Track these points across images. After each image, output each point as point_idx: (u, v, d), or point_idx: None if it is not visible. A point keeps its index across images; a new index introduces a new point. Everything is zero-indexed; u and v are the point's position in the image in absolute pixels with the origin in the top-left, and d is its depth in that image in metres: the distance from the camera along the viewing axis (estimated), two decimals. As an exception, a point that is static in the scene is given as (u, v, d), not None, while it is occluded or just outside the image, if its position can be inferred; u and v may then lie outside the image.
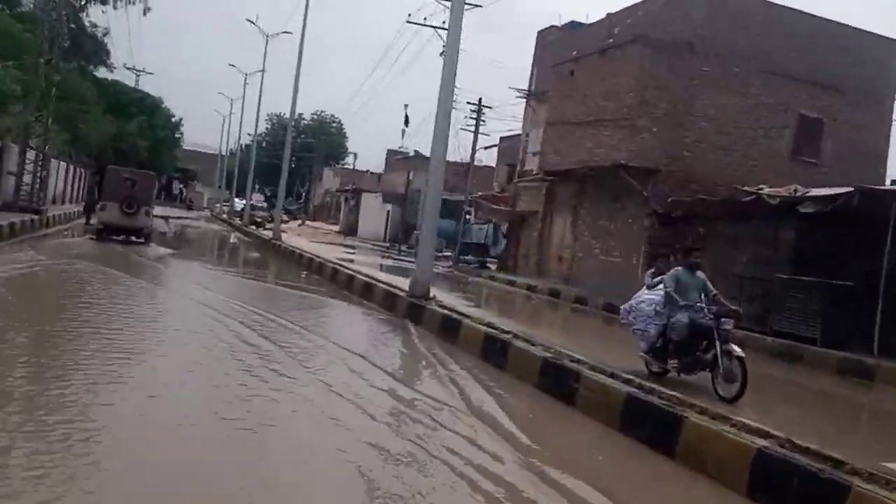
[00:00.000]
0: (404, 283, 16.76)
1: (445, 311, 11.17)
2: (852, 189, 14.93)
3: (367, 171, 79.11)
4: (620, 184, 22.82)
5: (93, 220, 26.52)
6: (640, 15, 22.85)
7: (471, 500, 4.68)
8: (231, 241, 35.00)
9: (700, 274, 8.96)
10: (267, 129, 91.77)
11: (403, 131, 71.11)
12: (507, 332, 9.43)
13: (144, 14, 40.89)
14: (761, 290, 17.51)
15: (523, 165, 32.10)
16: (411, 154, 61.97)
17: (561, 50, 27.25)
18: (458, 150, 55.68)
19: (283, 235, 30.39)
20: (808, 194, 16.31)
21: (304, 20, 31.02)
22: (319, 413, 6.21)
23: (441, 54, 37.18)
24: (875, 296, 14.31)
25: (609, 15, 24.64)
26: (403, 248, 42.00)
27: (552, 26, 31.51)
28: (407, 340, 10.40)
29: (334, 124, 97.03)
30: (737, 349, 8.07)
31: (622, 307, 9.64)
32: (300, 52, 31.28)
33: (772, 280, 16.99)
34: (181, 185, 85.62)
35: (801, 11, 23.40)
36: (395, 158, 69.61)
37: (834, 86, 23.48)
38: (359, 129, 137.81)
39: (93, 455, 4.55)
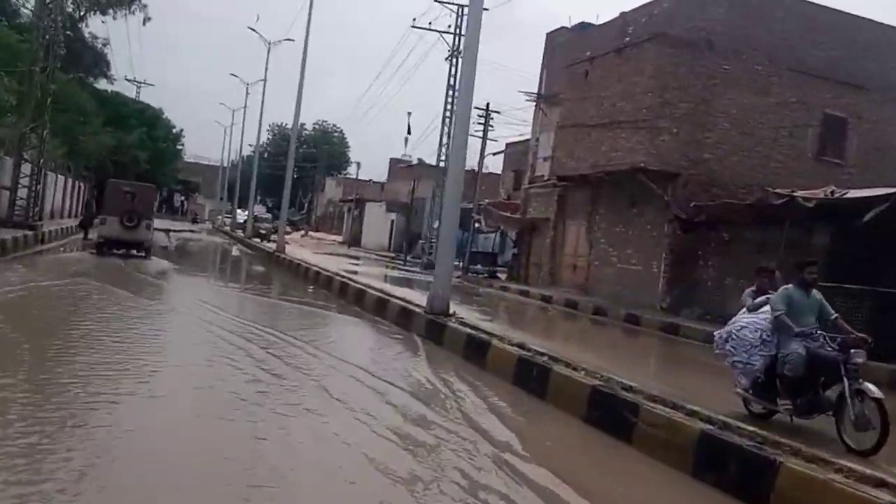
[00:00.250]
0: (417, 296, 15.95)
1: (469, 330, 10.20)
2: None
3: (370, 181, 78.34)
4: (638, 188, 21.91)
5: (91, 235, 25.79)
6: (656, 13, 22.01)
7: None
8: (234, 254, 34.11)
9: (816, 293, 7.41)
10: (269, 139, 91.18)
11: (406, 139, 70.43)
12: (542, 354, 8.48)
13: (144, 24, 40.31)
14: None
15: (533, 171, 31.16)
16: (414, 162, 61.06)
17: (572, 51, 26.39)
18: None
19: (287, 248, 29.45)
20: (846, 195, 15.38)
21: (308, 26, 30.20)
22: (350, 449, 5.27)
23: (446, 59, 36.75)
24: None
25: (623, 14, 23.77)
26: (409, 258, 41.07)
27: (562, 28, 30.69)
28: (428, 364, 9.38)
29: (336, 134, 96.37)
30: (873, 389, 6.44)
31: (716, 334, 7.90)
32: (304, 59, 30.46)
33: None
34: (182, 198, 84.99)
35: (822, 6, 22.55)
36: (399, 167, 68.72)
37: (858, 83, 22.56)
38: (361, 137, 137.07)
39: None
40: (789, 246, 17.48)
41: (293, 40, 47.10)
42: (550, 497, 4.95)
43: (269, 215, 59.27)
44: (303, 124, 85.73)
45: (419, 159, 59.65)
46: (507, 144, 43.80)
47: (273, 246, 31.23)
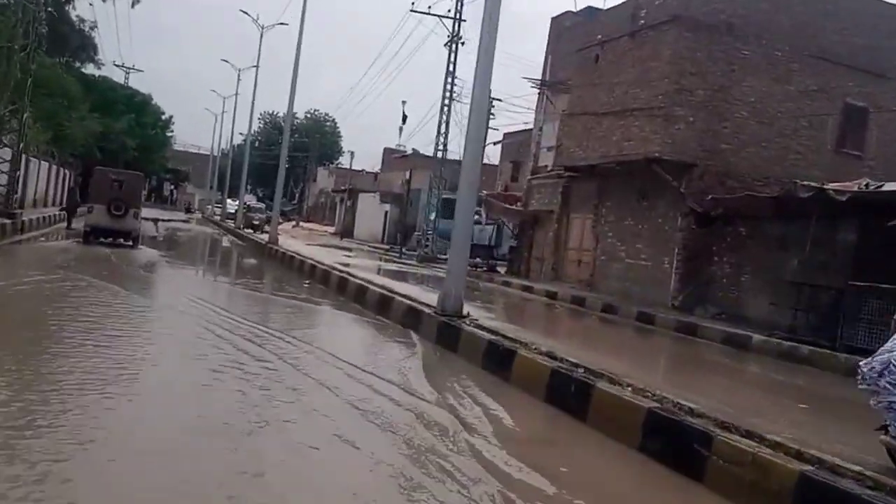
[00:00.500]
0: (421, 293, 14.89)
1: (489, 336, 9.11)
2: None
3: (363, 171, 77.03)
4: (650, 179, 20.88)
5: (74, 224, 24.74)
6: (671, -6, 20.89)
7: None
8: (224, 245, 32.90)
9: None
10: (260, 128, 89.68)
11: (401, 129, 68.88)
12: (579, 366, 7.42)
13: (133, 6, 38.95)
14: (825, 299, 15.59)
15: (536, 161, 30.07)
16: (409, 153, 59.81)
17: (580, 36, 25.25)
18: (460, 148, 53.59)
19: (280, 239, 28.29)
20: (881, 189, 14.38)
21: (304, 8, 28.93)
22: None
23: (446, 45, 35.51)
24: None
25: (634, -5, 22.64)
26: (404, 250, 39.98)
27: (567, 12, 29.53)
28: (449, 378, 8.24)
29: (328, 123, 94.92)
30: None
31: (863, 364, 5.64)
32: (299, 43, 29.20)
33: (837, 287, 15.06)
34: (172, 187, 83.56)
35: (844, -10, 21.54)
36: (393, 157, 67.44)
37: (879, 72, 21.56)
38: (354, 126, 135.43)
39: None
40: (812, 242, 16.52)
41: (287, 24, 45.69)
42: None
43: (261, 205, 57.89)
44: (294, 113, 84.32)
45: (414, 149, 58.45)
46: (506, 134, 42.65)
47: (265, 237, 30.06)
